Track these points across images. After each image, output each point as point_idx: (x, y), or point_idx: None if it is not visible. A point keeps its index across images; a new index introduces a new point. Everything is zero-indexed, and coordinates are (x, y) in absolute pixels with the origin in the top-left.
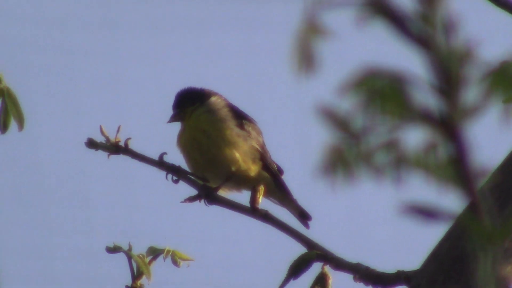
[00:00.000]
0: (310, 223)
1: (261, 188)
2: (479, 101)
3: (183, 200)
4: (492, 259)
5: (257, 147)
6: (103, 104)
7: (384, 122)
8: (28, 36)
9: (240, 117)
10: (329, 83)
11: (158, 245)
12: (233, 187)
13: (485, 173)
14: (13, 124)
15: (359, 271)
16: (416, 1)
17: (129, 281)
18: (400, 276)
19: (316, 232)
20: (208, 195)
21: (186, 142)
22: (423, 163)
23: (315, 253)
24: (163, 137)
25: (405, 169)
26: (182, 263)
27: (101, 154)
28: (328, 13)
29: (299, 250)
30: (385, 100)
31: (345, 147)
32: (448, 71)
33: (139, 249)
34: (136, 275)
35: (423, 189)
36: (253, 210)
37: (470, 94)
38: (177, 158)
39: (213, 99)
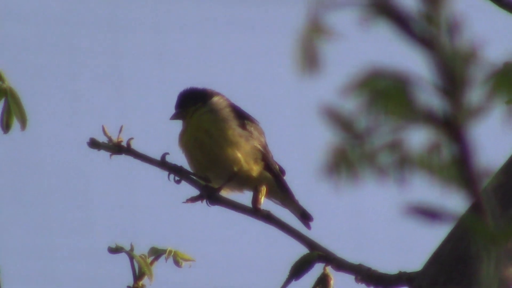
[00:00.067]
0: (311, 223)
1: (263, 189)
2: (483, 102)
3: (185, 201)
4: (496, 260)
5: (259, 147)
6: (106, 104)
7: (387, 123)
8: (30, 35)
9: (242, 117)
10: (333, 83)
11: (160, 245)
12: (235, 187)
13: (489, 174)
14: (15, 124)
15: (361, 272)
16: (420, 1)
17: (130, 282)
18: (402, 277)
19: (317, 233)
20: (210, 195)
21: (188, 142)
22: (426, 163)
23: (316, 253)
24: (166, 137)
25: (409, 170)
26: (184, 263)
27: (103, 154)
28: (332, 13)
29: (301, 250)
30: (388, 100)
31: (349, 148)
32: (452, 72)
33: (140, 250)
34: (138, 276)
35: (426, 189)
36: (255, 211)
37: (474, 95)
38: (179, 158)
39: (215, 99)
